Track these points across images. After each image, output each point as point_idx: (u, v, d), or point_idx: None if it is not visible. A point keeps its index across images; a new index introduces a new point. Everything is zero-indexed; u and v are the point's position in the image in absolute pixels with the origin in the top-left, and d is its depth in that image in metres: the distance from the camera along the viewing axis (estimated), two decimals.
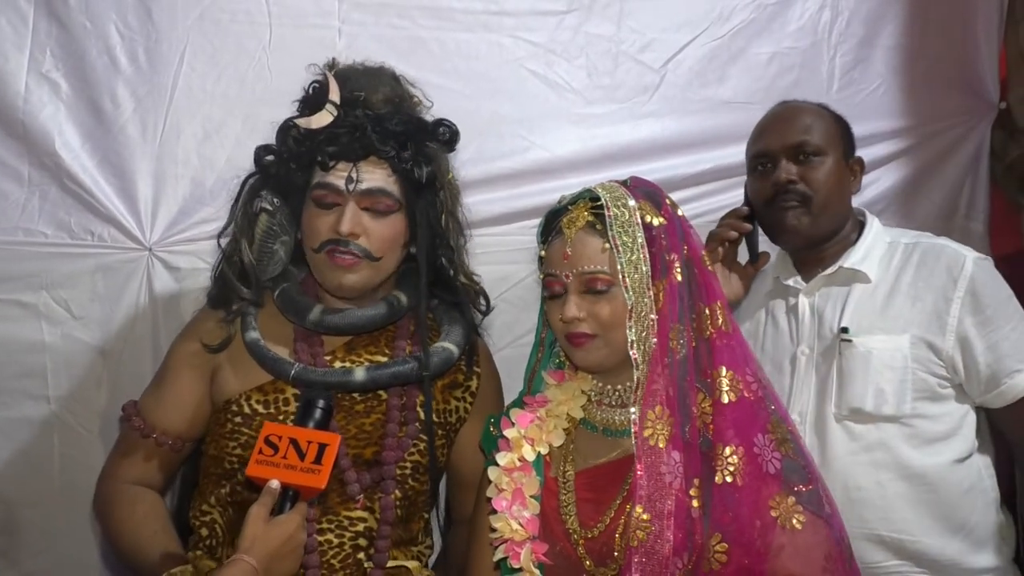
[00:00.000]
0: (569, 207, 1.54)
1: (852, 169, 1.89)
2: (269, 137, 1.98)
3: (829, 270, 1.83)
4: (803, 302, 1.86)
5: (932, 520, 1.70)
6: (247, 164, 2.00)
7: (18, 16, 1.98)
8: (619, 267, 1.45)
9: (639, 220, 1.47)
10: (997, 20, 2.42)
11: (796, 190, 1.80)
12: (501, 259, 2.13)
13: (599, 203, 1.49)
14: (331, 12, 2.14)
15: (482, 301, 1.85)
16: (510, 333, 2.16)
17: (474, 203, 1.86)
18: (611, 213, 1.47)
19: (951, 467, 1.71)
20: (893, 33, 2.41)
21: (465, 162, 1.85)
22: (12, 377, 1.98)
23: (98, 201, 2.01)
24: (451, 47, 2.19)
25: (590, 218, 1.50)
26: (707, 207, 2.22)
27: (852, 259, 1.82)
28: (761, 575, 1.36)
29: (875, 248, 1.83)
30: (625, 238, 1.46)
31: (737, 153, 2.32)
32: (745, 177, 1.99)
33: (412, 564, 1.70)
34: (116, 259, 2.01)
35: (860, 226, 1.89)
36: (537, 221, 2.18)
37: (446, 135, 1.72)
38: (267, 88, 2.08)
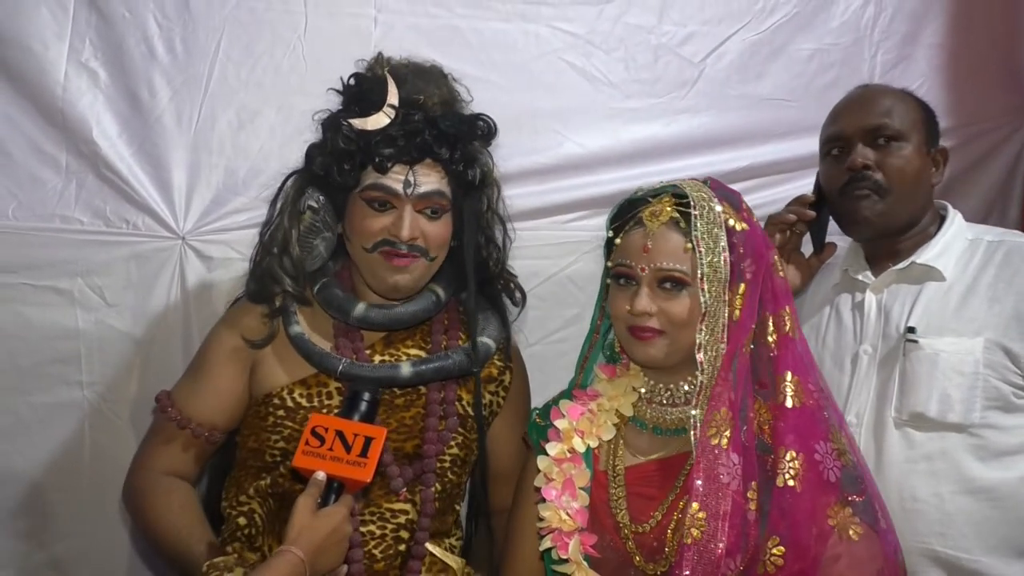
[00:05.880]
0: (650, 199, 1.50)
1: (934, 159, 1.77)
2: (303, 127, 1.98)
3: (901, 265, 1.73)
4: (870, 298, 1.76)
5: (995, 539, 1.60)
6: (281, 154, 2.03)
7: (59, 5, 1.97)
8: (699, 269, 1.42)
9: (723, 223, 1.45)
10: None
11: (871, 177, 1.71)
12: (532, 254, 2.11)
13: (683, 199, 1.46)
14: (367, 1, 2.12)
15: (518, 295, 1.84)
16: (542, 329, 2.15)
17: (505, 197, 1.85)
18: (697, 213, 1.44)
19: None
20: (936, 31, 2.37)
21: (498, 156, 1.83)
22: (46, 362, 1.99)
23: (133, 190, 2.01)
24: (488, 37, 2.17)
25: (674, 214, 1.46)
26: None
27: (927, 255, 1.71)
28: None
29: (954, 244, 1.72)
30: (709, 240, 1.43)
31: (774, 151, 2.30)
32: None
33: (455, 562, 1.71)
34: (150, 247, 2.02)
35: (940, 220, 1.78)
36: (568, 216, 2.26)
37: (484, 130, 1.70)
38: (302, 77, 2.08)
